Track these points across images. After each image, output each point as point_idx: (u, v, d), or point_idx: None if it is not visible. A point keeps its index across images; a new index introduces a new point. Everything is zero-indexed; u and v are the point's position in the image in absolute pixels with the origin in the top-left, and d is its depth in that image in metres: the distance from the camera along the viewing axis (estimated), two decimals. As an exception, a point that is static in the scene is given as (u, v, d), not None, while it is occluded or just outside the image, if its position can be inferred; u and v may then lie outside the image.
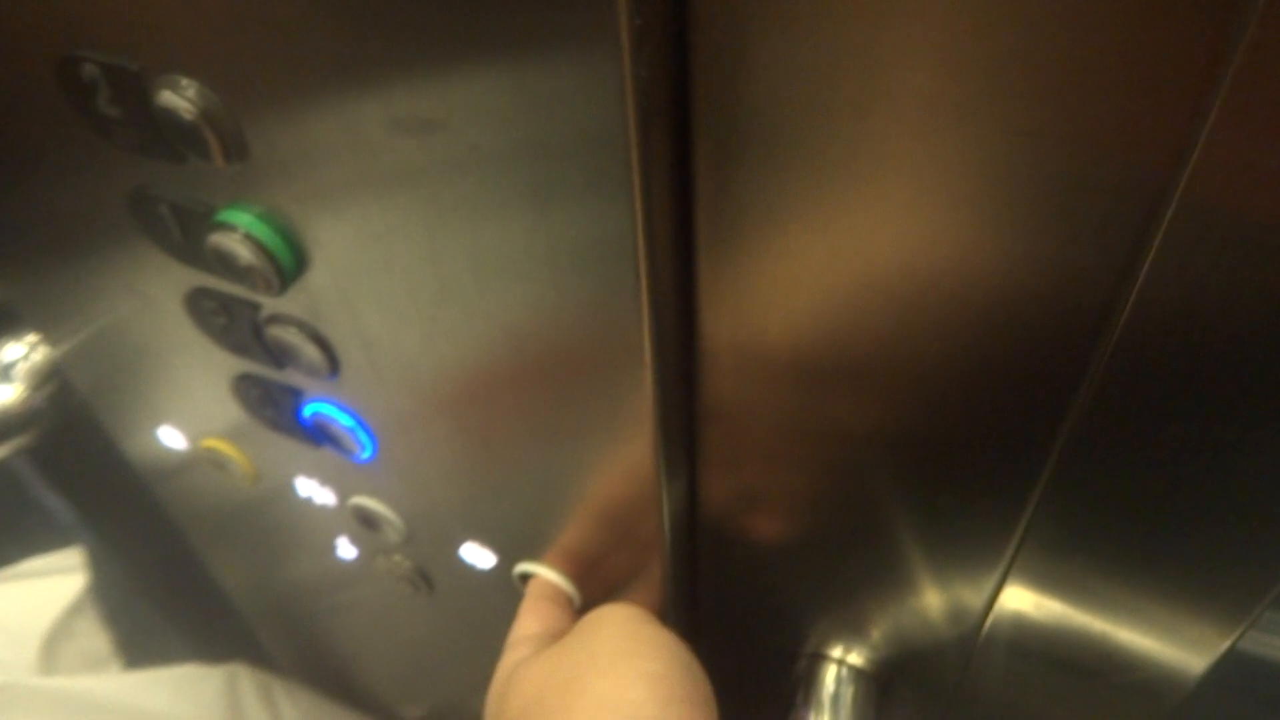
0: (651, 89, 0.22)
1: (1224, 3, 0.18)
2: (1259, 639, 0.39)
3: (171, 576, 0.67)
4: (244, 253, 0.32)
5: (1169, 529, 0.29)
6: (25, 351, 0.57)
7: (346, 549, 0.53)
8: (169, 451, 0.53)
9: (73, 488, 0.62)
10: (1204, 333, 0.23)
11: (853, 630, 0.41)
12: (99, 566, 0.62)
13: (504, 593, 0.47)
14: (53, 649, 0.55)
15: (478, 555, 0.45)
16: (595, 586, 0.43)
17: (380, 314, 0.33)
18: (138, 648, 0.66)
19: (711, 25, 0.22)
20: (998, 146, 0.22)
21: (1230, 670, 0.34)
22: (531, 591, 0.43)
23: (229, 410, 0.45)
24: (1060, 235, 0.23)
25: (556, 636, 0.39)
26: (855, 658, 0.42)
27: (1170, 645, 0.33)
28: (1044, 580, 0.33)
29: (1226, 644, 0.32)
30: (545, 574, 0.43)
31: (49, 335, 0.52)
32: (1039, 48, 0.20)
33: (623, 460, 0.34)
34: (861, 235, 0.25)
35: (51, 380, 0.57)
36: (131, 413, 0.53)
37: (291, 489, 0.49)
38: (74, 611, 0.57)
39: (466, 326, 0.32)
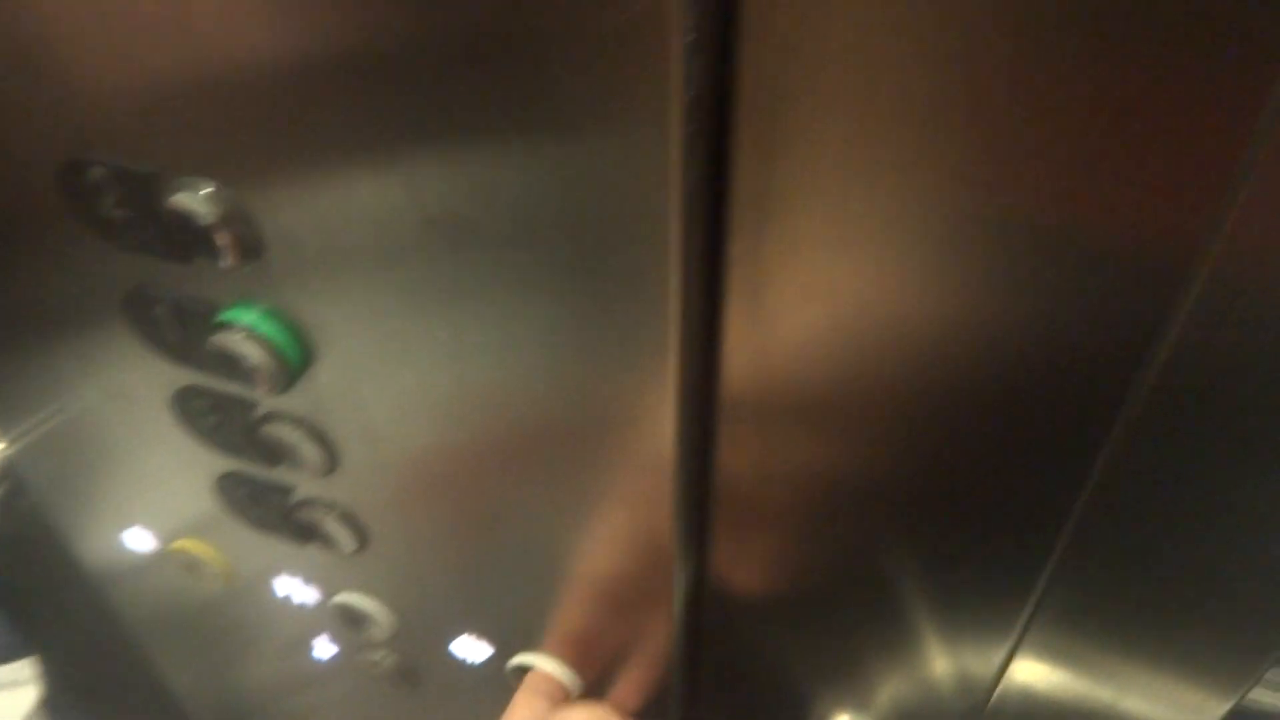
0: (698, 188, 0.23)
1: (1248, 91, 0.19)
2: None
3: (124, 685, 0.63)
4: (249, 351, 0.32)
5: (1177, 599, 0.30)
6: (-27, 454, 0.54)
7: (325, 648, 0.51)
8: (133, 554, 0.51)
9: (19, 595, 0.59)
10: (1228, 403, 0.24)
11: (858, 702, 0.41)
12: (47, 677, 0.59)
13: (494, 686, 0.46)
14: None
15: (472, 648, 0.44)
16: (595, 670, 0.42)
17: (390, 408, 0.33)
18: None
19: (754, 124, 0.23)
20: (1033, 218, 0.23)
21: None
22: (525, 685, 0.43)
23: (207, 509, 0.44)
24: (1087, 305, 0.24)
25: None
26: (859, 732, 0.42)
27: (1173, 710, 0.34)
28: (1054, 652, 0.34)
29: (1226, 708, 0.33)
30: (544, 665, 0.42)
31: (4, 432, 0.50)
32: (1070, 124, 0.21)
33: (636, 539, 0.34)
34: (883, 302, 0.26)
35: (1, 483, 0.55)
36: (94, 514, 0.51)
37: (268, 588, 0.48)
38: (25, 728, 0.54)
39: (483, 416, 0.32)
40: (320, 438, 0.36)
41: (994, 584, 0.32)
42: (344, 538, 0.40)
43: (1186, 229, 0.21)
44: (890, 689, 0.39)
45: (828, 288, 0.26)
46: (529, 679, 0.43)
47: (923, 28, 0.20)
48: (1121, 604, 0.31)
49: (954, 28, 0.20)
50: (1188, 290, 0.22)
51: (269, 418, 0.36)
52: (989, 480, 0.29)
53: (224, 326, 0.32)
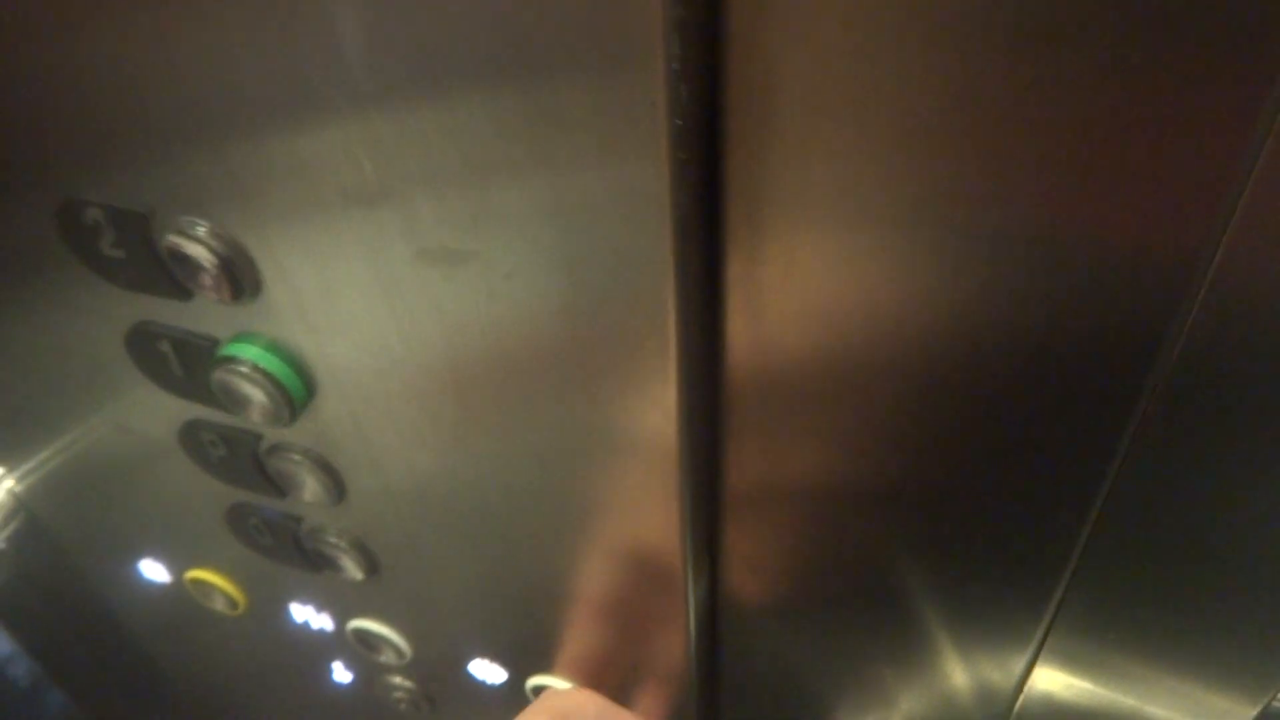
0: (690, 210, 0.23)
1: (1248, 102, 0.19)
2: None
3: (147, 714, 0.64)
4: (252, 387, 0.32)
5: (1200, 604, 0.29)
6: (-15, 491, 0.54)
7: (342, 674, 0.51)
8: (149, 585, 0.51)
9: (39, 629, 0.59)
10: (1241, 402, 0.24)
11: (879, 712, 0.40)
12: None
13: (511, 708, 0.45)
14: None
15: (487, 671, 0.44)
16: (613, 689, 0.42)
17: (396, 438, 0.33)
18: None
19: (743, 149, 0.23)
20: (1029, 229, 0.22)
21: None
22: (539, 706, 0.42)
23: (220, 540, 0.44)
24: (1092, 310, 0.23)
25: None
26: (880, 745, 0.42)
27: (1199, 716, 0.34)
28: (1075, 660, 0.33)
29: (1254, 713, 0.33)
30: (560, 686, 0.42)
31: (13, 469, 0.50)
32: (1065, 134, 0.20)
33: (646, 554, 0.34)
34: (882, 316, 0.25)
35: (15, 518, 0.55)
36: (108, 547, 0.51)
37: (284, 616, 0.48)
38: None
39: (486, 444, 0.31)
40: (326, 468, 0.36)
41: (1012, 593, 0.32)
42: (354, 565, 0.40)
43: (1188, 232, 0.21)
44: (909, 699, 0.39)
45: (826, 305, 0.26)
46: (540, 699, 0.43)
47: (911, 45, 0.20)
48: (1143, 610, 0.31)
49: (944, 44, 0.20)
50: (1193, 291, 0.22)
51: (275, 450, 0.36)
52: (1001, 488, 0.28)
53: (226, 361, 0.32)
